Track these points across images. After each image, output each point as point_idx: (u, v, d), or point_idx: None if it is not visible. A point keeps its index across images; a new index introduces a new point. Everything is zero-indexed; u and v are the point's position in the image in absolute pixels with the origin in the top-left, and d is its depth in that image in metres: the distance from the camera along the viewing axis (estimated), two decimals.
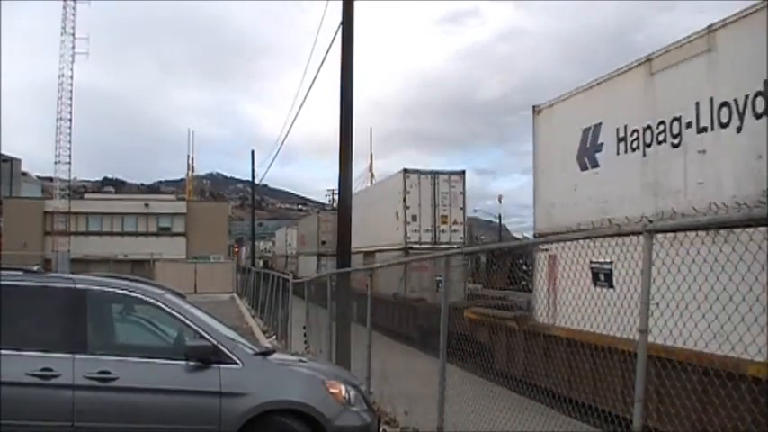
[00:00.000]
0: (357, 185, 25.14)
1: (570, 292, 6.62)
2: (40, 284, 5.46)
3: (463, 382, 6.63)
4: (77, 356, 5.08)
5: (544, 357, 9.34)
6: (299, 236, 40.36)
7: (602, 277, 8.02)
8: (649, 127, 8.46)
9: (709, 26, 7.49)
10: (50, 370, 4.99)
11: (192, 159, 71.81)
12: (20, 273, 5.56)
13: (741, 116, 6.91)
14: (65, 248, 44.76)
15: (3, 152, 54.18)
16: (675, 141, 8.01)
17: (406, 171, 19.02)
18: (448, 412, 6.09)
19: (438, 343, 6.23)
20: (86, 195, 59.63)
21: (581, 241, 4.98)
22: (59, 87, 44.26)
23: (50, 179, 49.54)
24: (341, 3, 10.46)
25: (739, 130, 6.96)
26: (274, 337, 16.59)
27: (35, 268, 5.84)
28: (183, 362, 5.20)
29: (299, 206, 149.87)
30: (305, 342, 13.70)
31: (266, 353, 5.82)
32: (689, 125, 7.74)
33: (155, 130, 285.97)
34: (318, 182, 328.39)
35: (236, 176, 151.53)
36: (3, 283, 5.28)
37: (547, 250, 9.86)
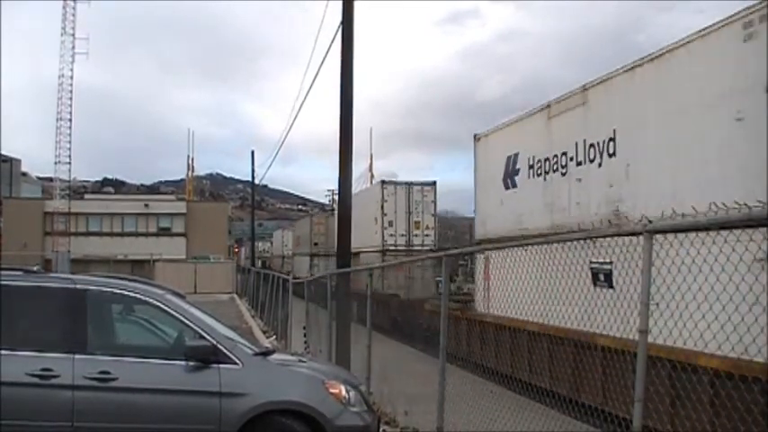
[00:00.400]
0: (357, 186, 25.68)
1: (496, 287, 8.19)
2: (39, 284, 5.46)
3: (463, 382, 6.63)
4: (77, 357, 5.08)
5: (479, 340, 11.60)
6: (295, 237, 42.84)
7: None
8: (548, 158, 11.03)
9: (584, 85, 9.92)
10: (50, 370, 4.98)
11: (192, 159, 71.79)
12: (20, 273, 5.56)
13: (601, 155, 9.42)
14: (65, 249, 44.75)
15: (3, 152, 54.21)
16: (563, 171, 10.58)
17: (383, 182, 21.84)
18: (448, 412, 6.09)
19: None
20: (86, 196, 59.63)
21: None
22: (59, 87, 44.34)
23: (50, 179, 49.56)
24: (341, 3, 10.47)
25: (600, 165, 9.45)
26: (274, 337, 16.59)
27: (35, 268, 5.83)
28: (183, 362, 5.20)
29: (299, 206, 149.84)
30: (305, 342, 13.69)
31: (266, 353, 5.81)
32: (571, 159, 10.26)
33: (155, 130, 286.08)
34: (318, 182, 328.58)
35: (236, 177, 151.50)
36: (3, 283, 5.28)
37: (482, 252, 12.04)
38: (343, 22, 10.42)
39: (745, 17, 6.63)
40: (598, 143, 9.43)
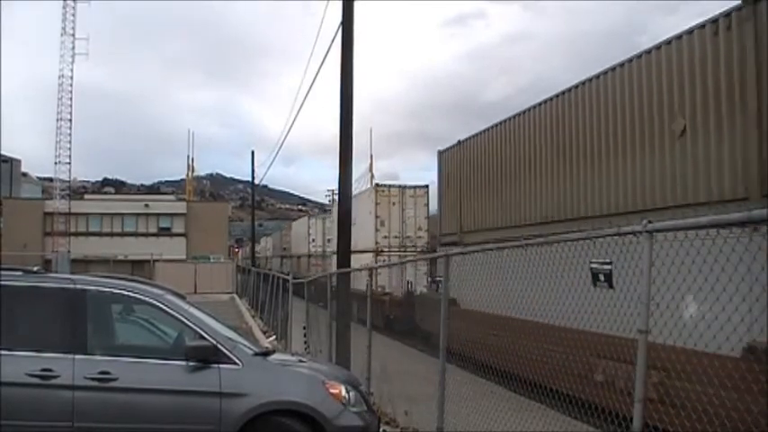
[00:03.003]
0: (357, 186, 26.19)
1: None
2: (39, 285, 5.45)
3: (463, 382, 6.62)
4: (77, 357, 5.07)
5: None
6: (273, 243, 55.70)
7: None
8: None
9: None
10: (50, 370, 4.98)
11: (192, 160, 71.71)
12: (20, 273, 5.55)
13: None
14: (65, 249, 44.74)
15: (3, 152, 54.19)
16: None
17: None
18: (448, 412, 6.08)
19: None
20: (86, 196, 59.60)
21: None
22: (59, 88, 44.29)
23: (50, 179, 49.53)
24: (341, 3, 10.45)
25: None
26: (274, 337, 16.59)
27: (35, 269, 5.82)
28: (183, 362, 5.20)
29: (299, 207, 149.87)
30: (305, 342, 13.69)
31: (266, 353, 5.81)
32: None
33: (155, 130, 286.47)
34: (319, 182, 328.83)
35: (236, 177, 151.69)
36: (3, 283, 5.28)
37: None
38: (343, 22, 10.41)
39: None
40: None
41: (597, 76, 9.96)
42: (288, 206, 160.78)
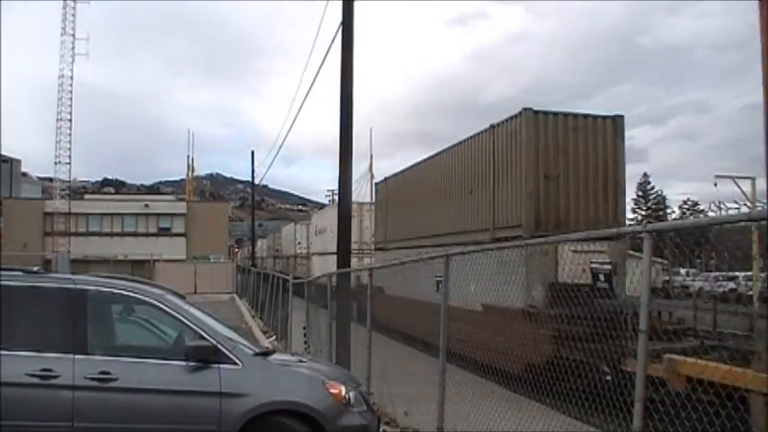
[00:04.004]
0: (358, 186, 27.60)
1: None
2: (39, 285, 5.44)
3: (463, 382, 6.63)
4: (77, 357, 5.07)
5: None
6: (267, 245, 60.67)
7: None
8: None
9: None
10: (50, 370, 4.98)
11: (192, 160, 71.82)
12: (20, 273, 5.55)
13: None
14: (65, 249, 44.74)
15: (3, 152, 54.16)
16: None
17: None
18: (448, 412, 6.09)
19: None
20: (86, 196, 59.60)
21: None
22: (59, 88, 44.30)
23: (50, 179, 49.52)
24: (341, 3, 10.45)
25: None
26: (274, 337, 16.59)
27: (35, 269, 5.82)
28: (183, 362, 5.19)
29: (299, 207, 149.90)
30: (305, 342, 13.70)
31: (266, 353, 5.81)
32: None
33: (155, 130, 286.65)
34: (319, 182, 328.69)
35: (237, 177, 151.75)
36: (3, 283, 5.27)
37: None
38: (343, 23, 10.41)
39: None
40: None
41: (458, 144, 15.54)
42: (288, 206, 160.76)
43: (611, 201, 12.34)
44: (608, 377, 6.86)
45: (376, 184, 23.23)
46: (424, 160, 18.07)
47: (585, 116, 12.63)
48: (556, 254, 10.11)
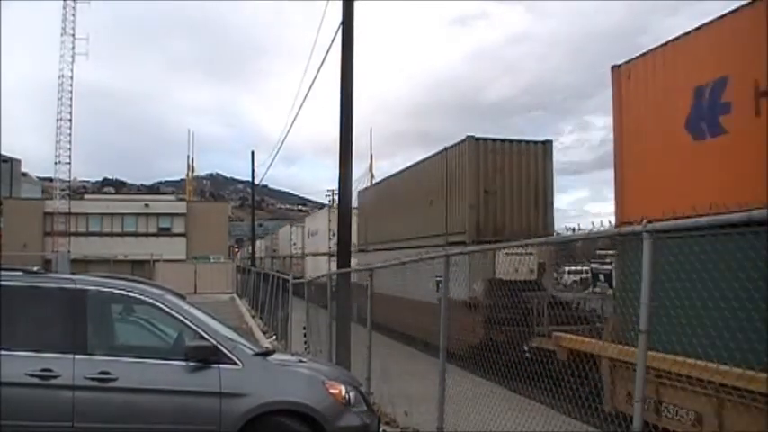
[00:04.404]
0: (358, 186, 28.02)
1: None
2: (39, 285, 5.45)
3: (463, 382, 6.63)
4: (77, 357, 5.07)
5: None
6: (265, 246, 63.29)
7: None
8: None
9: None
10: (50, 370, 4.98)
11: (192, 160, 71.98)
12: (20, 273, 5.55)
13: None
14: (65, 249, 44.75)
15: (3, 152, 54.22)
16: None
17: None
18: (448, 412, 6.08)
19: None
20: (86, 196, 59.61)
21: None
22: (59, 87, 44.36)
23: (50, 179, 49.55)
24: (341, 3, 10.45)
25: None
26: (274, 337, 16.59)
27: (35, 269, 5.82)
28: (183, 362, 5.19)
29: (300, 207, 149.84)
30: (305, 342, 13.70)
31: (266, 353, 5.81)
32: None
33: (155, 130, 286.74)
34: (319, 182, 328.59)
35: (237, 177, 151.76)
36: (3, 283, 5.27)
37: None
38: (343, 22, 10.41)
39: None
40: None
41: (420, 162, 18.01)
42: (288, 206, 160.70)
43: (542, 212, 14.77)
44: (527, 354, 8.61)
45: (359, 192, 24.74)
46: (395, 175, 21.01)
47: (519, 141, 15.09)
48: (494, 255, 11.61)
